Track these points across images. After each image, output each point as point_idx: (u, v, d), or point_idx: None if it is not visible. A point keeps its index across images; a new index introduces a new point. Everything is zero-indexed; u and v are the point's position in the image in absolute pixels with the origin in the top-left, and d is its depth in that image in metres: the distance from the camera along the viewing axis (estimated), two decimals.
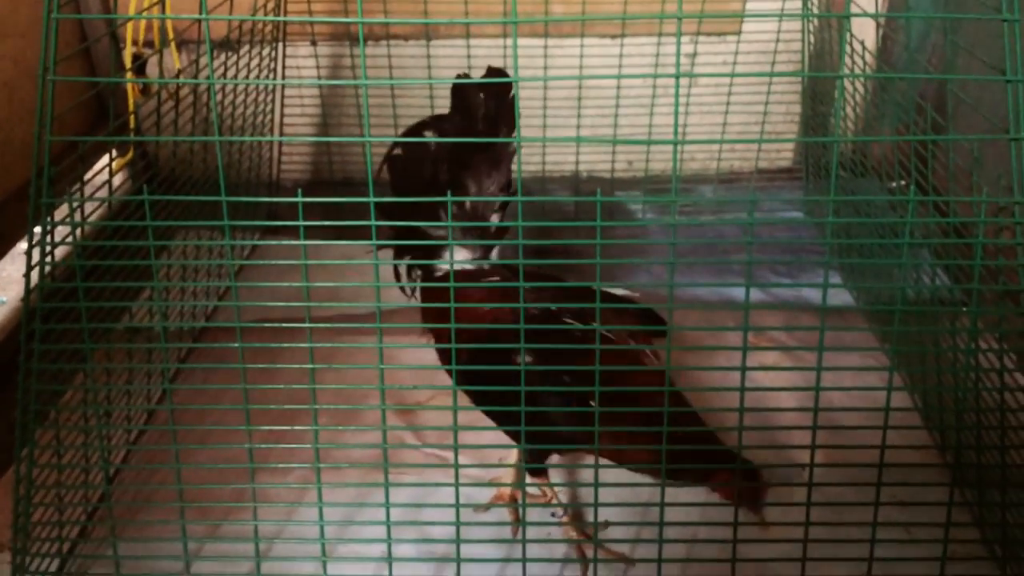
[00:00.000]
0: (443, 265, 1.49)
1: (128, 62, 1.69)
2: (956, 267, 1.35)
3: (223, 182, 1.08)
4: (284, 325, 1.19)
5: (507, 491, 1.44)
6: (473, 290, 1.39)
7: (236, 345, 1.15)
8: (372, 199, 1.08)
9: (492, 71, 1.51)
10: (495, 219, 1.50)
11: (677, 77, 1.01)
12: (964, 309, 1.15)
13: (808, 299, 2.02)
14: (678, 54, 0.98)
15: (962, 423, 1.25)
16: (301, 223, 1.09)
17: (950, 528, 1.20)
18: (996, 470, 1.22)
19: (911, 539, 1.28)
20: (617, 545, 1.37)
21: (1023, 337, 1.08)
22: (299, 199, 1.08)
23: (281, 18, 1.89)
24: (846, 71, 1.90)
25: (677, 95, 1.01)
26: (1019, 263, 1.00)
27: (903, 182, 1.67)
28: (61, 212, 1.21)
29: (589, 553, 1.34)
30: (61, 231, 1.19)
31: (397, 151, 1.50)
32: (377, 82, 1.08)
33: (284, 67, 2.27)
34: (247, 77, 1.94)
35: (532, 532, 1.34)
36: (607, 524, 1.41)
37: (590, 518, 1.44)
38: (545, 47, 2.28)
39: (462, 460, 1.52)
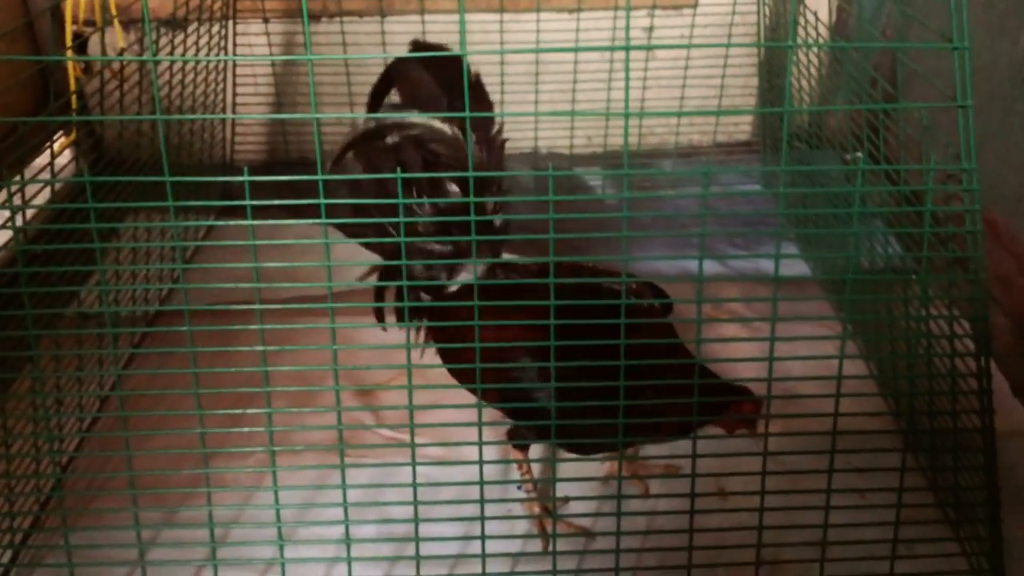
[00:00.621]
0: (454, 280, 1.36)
1: (68, 40, 1.65)
2: (908, 235, 1.36)
3: (166, 163, 1.05)
4: (235, 307, 1.17)
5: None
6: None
7: (184, 329, 1.13)
8: (320, 176, 1.06)
9: (418, 46, 1.34)
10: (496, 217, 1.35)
11: (627, 50, 1.00)
12: (913, 277, 1.16)
13: (765, 271, 2.03)
14: (627, 27, 0.97)
15: (914, 389, 1.27)
16: (248, 203, 1.07)
17: (905, 493, 1.21)
18: (948, 435, 1.24)
19: (866, 504, 1.29)
20: (577, 519, 1.37)
21: (972, 303, 1.09)
22: (245, 178, 1.06)
23: None
24: (800, 42, 1.90)
25: (627, 69, 1.00)
26: (967, 230, 1.01)
27: (858, 153, 1.68)
28: (1, 196, 1.17)
29: (550, 528, 1.34)
30: (1, 216, 1.15)
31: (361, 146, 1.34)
32: (322, 57, 1.05)
33: (235, 45, 2.22)
34: (195, 55, 1.90)
35: (492, 509, 1.33)
36: (567, 500, 1.41)
37: (551, 493, 1.45)
38: (501, 22, 2.26)
39: (422, 440, 1.52)
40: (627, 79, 0.99)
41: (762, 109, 1.84)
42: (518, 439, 1.34)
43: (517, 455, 1.37)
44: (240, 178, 1.06)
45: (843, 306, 1.20)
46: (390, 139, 1.34)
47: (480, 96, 1.34)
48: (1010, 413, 1.55)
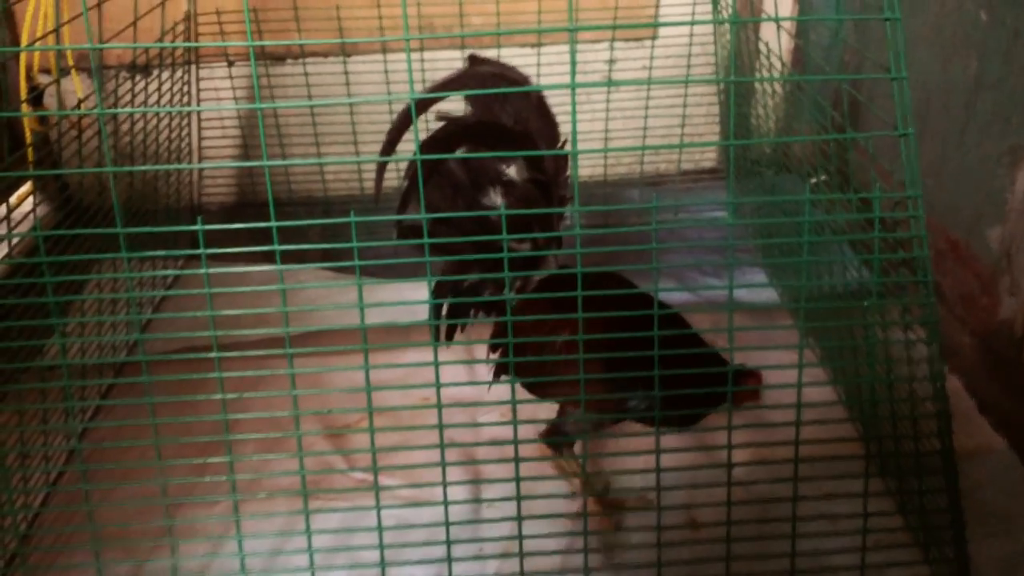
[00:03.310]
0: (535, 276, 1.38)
1: (24, 92, 1.65)
2: (869, 261, 1.38)
3: (118, 214, 1.05)
4: (192, 356, 1.17)
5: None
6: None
7: (142, 379, 1.12)
8: (274, 223, 1.06)
9: (473, 59, 1.39)
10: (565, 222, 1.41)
11: (573, 88, 1.01)
12: (864, 303, 1.17)
13: (737, 299, 2.04)
14: (572, 64, 0.99)
15: (878, 414, 1.27)
16: (203, 251, 1.07)
17: (876, 517, 1.22)
18: (913, 458, 1.24)
19: (837, 531, 1.29)
20: (546, 558, 1.36)
21: (925, 327, 1.10)
22: (199, 227, 1.06)
23: (167, 44, 1.84)
24: (758, 74, 1.93)
25: (574, 105, 1.01)
26: (914, 255, 1.02)
27: (824, 177, 1.70)
28: None
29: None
30: None
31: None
32: (272, 105, 1.06)
33: (199, 90, 2.23)
34: (159, 101, 1.91)
35: (462, 549, 1.32)
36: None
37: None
38: (463, 59, 2.27)
39: (393, 481, 1.51)
40: (573, 115, 1.00)
41: (707, 143, 1.86)
42: (562, 441, 1.36)
43: (562, 464, 1.39)
44: (195, 227, 1.07)
45: (801, 332, 1.22)
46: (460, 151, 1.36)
47: (545, 113, 1.38)
48: (977, 431, 1.56)
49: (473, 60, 1.40)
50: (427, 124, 1.33)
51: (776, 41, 1.86)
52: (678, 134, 2.39)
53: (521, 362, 1.34)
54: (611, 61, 2.35)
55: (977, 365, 1.72)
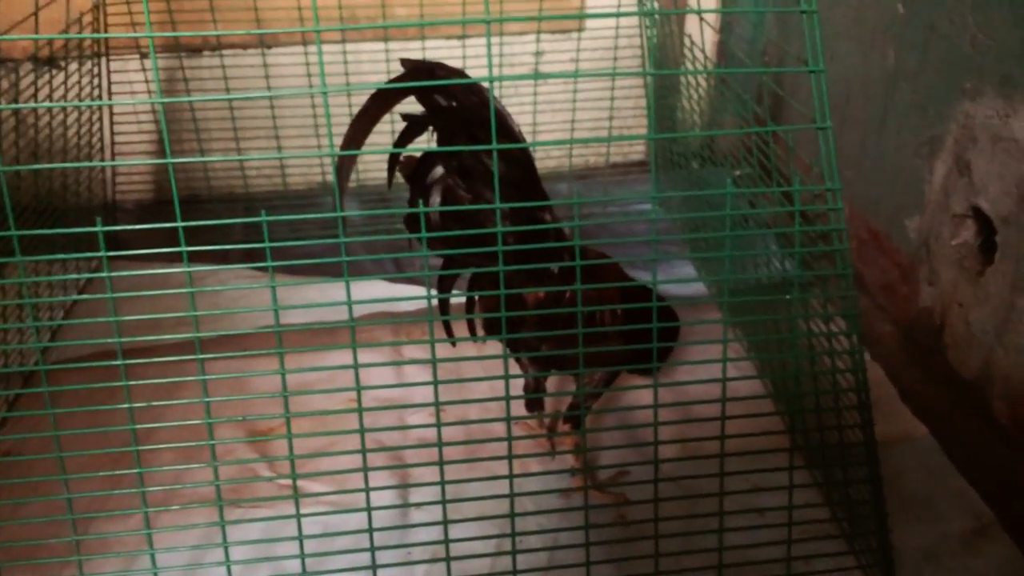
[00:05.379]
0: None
1: None
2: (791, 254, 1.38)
3: (11, 213, 0.99)
4: (98, 364, 1.11)
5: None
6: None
7: (43, 389, 1.06)
8: (179, 224, 1.01)
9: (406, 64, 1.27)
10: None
11: (491, 81, 0.99)
12: (787, 296, 1.17)
13: (665, 293, 2.04)
14: (489, 56, 0.96)
15: (802, 406, 1.28)
16: (103, 255, 1.01)
17: (802, 509, 1.22)
18: (837, 449, 1.25)
19: (765, 524, 1.30)
20: (475, 561, 1.33)
21: (845, 319, 1.10)
22: (99, 228, 1.00)
23: (66, 36, 1.75)
24: (687, 67, 1.92)
25: (492, 98, 0.98)
26: (834, 248, 1.02)
27: (748, 171, 1.71)
28: None
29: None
30: None
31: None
32: (172, 99, 1.01)
33: (111, 83, 2.14)
34: (65, 95, 1.82)
35: (388, 555, 1.29)
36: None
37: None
38: (386, 51, 2.23)
39: (319, 486, 1.47)
40: (492, 110, 0.97)
41: (630, 136, 1.86)
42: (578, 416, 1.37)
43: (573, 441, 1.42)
44: (95, 228, 1.01)
45: (724, 326, 1.23)
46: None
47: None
48: (899, 419, 1.58)
49: (406, 62, 1.33)
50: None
51: (692, 34, 1.86)
52: (606, 127, 2.38)
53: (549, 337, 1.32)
54: (538, 53, 2.33)
55: (898, 353, 1.75)
